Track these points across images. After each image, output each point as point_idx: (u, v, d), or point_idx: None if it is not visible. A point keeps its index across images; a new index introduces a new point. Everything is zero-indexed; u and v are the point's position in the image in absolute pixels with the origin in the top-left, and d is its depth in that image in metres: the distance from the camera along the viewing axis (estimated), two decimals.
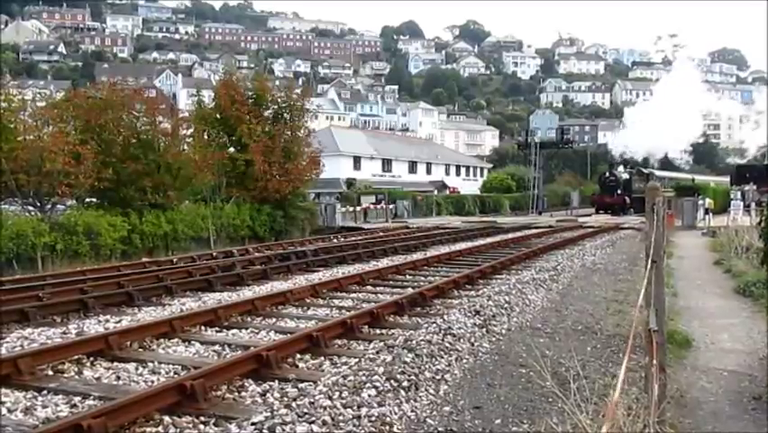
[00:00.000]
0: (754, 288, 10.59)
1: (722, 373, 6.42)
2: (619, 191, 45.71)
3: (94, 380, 6.01)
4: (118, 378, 6.06)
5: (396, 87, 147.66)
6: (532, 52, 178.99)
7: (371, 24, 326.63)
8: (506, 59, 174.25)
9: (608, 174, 48.22)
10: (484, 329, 7.82)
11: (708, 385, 6.04)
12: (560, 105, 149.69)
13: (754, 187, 30.39)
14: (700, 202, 31.93)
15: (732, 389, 5.95)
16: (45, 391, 5.57)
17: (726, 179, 59.77)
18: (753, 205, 26.31)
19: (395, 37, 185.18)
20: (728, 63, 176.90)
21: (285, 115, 27.64)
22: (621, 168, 49.08)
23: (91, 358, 6.62)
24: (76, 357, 6.54)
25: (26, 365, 5.92)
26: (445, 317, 8.14)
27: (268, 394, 5.55)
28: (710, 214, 29.33)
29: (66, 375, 6.14)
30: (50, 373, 6.17)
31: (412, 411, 5.14)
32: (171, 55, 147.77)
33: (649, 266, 4.24)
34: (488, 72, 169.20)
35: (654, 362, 3.25)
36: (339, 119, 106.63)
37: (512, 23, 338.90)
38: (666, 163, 64.91)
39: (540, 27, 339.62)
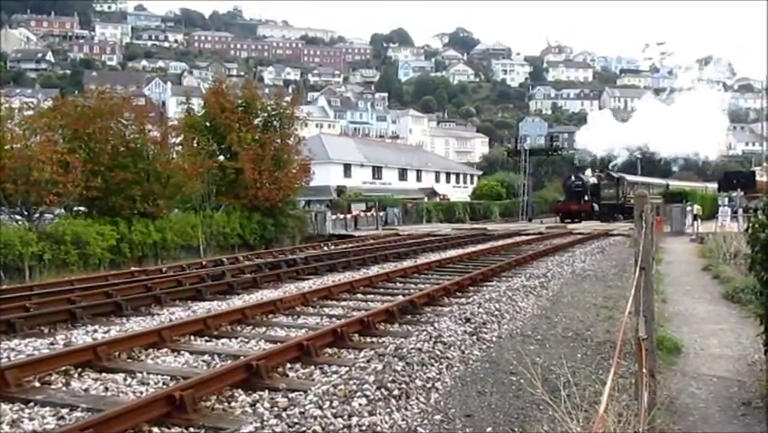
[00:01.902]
0: (743, 294, 10.65)
1: (712, 379, 6.44)
2: (586, 197, 42.45)
3: (82, 391, 5.95)
4: (106, 389, 6.01)
5: (386, 94, 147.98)
6: (521, 60, 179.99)
7: (361, 32, 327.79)
8: (495, 66, 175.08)
9: (573, 178, 44.54)
10: (475, 337, 7.82)
11: (697, 391, 6.06)
12: (549, 112, 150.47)
13: (742, 193, 30.61)
14: (689, 208, 32.16)
15: (722, 394, 5.98)
16: (32, 403, 5.51)
17: (703, 184, 59.42)
18: (740, 211, 26.51)
19: (384, 45, 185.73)
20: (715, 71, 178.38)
21: (275, 122, 27.66)
22: (588, 171, 46.07)
23: (79, 369, 6.56)
24: (63, 368, 6.47)
25: (13, 377, 5.86)
26: (436, 324, 8.13)
27: (258, 404, 5.52)
28: (699, 220, 29.53)
29: (53, 387, 6.08)
30: (38, 384, 6.10)
31: (403, 420, 5.13)
32: (161, 63, 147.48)
33: (638, 273, 4.26)
34: (477, 79, 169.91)
35: (644, 370, 3.26)
36: (329, 127, 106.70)
37: (501, 31, 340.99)
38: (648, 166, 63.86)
39: (529, 35, 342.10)
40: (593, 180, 44.39)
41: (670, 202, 34.91)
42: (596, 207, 42.56)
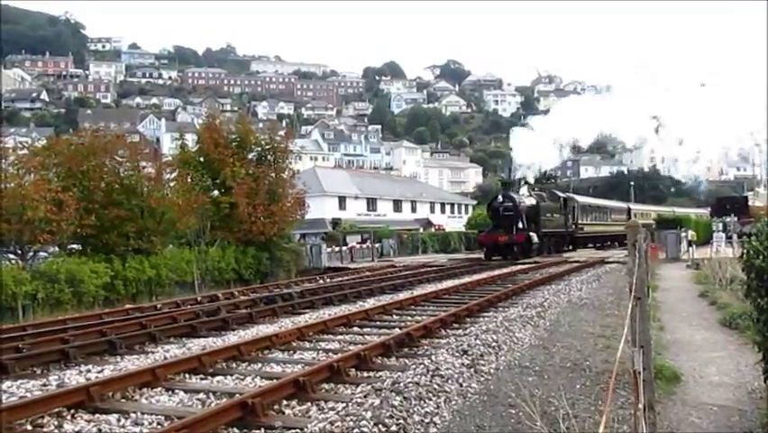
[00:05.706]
0: (740, 320, 10.61)
1: (712, 408, 6.38)
2: (520, 224, 31.04)
3: None
4: (99, 431, 5.91)
5: (379, 126, 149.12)
6: (512, 90, 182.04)
7: (353, 66, 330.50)
8: (486, 97, 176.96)
9: (501, 198, 31.90)
10: (472, 369, 7.75)
11: (698, 421, 6.00)
12: None
13: (735, 218, 30.77)
14: (683, 234, 32.27)
15: (722, 424, 5.92)
16: None
17: (671, 208, 58.66)
18: (734, 236, 26.60)
19: (377, 77, 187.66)
20: None
21: (269, 156, 27.72)
22: (524, 190, 34.64)
23: (72, 411, 6.46)
24: (56, 410, 6.37)
25: (3, 420, 5.76)
26: (433, 357, 8.06)
27: None
28: (693, 246, 29.59)
29: (45, 430, 5.99)
30: (29, 427, 6.01)
31: None
32: (155, 100, 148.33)
33: (633, 303, 4.24)
34: (469, 110, 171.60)
35: (640, 405, 3.23)
36: (323, 160, 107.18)
37: (492, 62, 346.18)
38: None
39: (519, 65, 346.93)
40: (530, 201, 33.32)
41: (663, 228, 35.01)
42: (533, 237, 31.36)
